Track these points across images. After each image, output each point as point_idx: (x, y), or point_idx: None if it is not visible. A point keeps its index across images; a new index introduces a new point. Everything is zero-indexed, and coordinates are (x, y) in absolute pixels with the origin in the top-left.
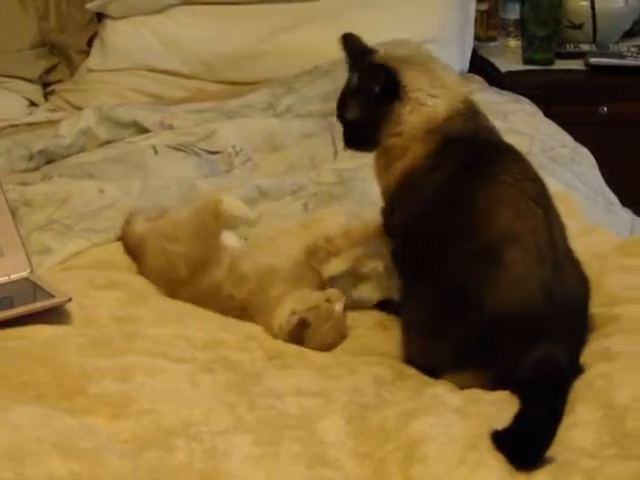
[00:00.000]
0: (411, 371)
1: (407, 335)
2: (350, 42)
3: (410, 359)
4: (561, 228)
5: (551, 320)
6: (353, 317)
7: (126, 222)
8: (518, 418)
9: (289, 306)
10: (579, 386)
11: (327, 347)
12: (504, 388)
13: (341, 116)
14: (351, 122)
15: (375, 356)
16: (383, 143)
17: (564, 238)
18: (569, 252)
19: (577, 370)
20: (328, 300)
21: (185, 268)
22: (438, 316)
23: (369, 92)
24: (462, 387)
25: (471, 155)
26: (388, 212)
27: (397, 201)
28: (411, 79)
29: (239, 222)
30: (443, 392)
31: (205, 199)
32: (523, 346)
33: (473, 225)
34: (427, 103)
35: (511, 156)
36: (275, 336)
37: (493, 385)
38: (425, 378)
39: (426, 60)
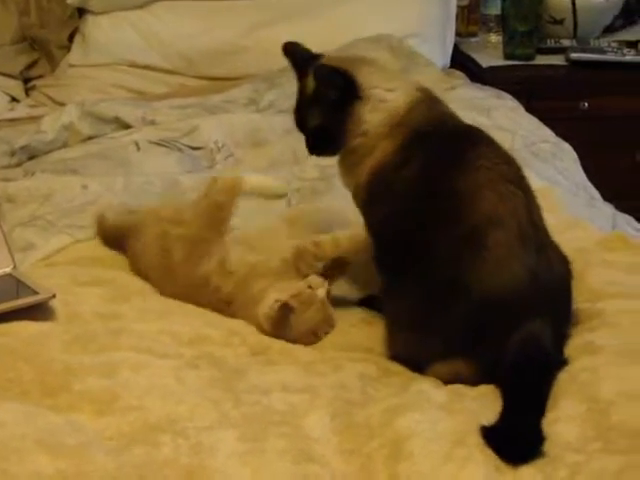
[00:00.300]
0: (396, 367)
1: (392, 331)
2: (293, 51)
3: (395, 355)
4: (538, 208)
5: (536, 300)
6: (337, 314)
7: (100, 216)
8: (505, 412)
9: (273, 296)
10: (563, 380)
11: (313, 333)
12: (494, 374)
13: (301, 125)
14: (313, 130)
15: (360, 352)
16: (348, 145)
17: (542, 218)
18: (547, 232)
19: (562, 351)
20: (310, 287)
21: (182, 250)
22: (424, 308)
23: (327, 97)
24: (451, 378)
25: (442, 143)
26: (364, 212)
27: (371, 200)
28: (366, 77)
29: (269, 195)
30: (428, 388)
31: (220, 180)
32: (510, 328)
33: (455, 212)
34: (386, 98)
35: (484, 141)
36: (261, 328)
37: (483, 372)
38: (410, 374)
39: (373, 57)
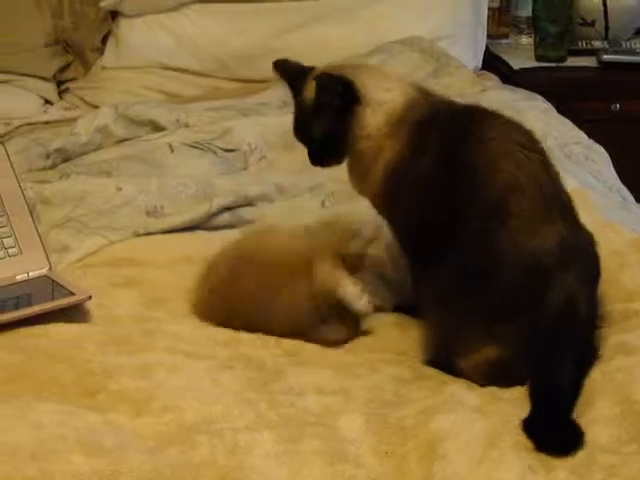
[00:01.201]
0: (430, 371)
1: (430, 324)
2: (284, 67)
3: (431, 357)
4: (557, 173)
5: (568, 262)
6: (371, 317)
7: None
8: (539, 396)
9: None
10: (598, 380)
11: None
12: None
13: (303, 137)
14: (319, 140)
15: (393, 355)
16: (354, 151)
17: (561, 183)
18: (568, 195)
19: (595, 314)
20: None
21: None
22: (460, 290)
23: (330, 105)
24: (488, 368)
25: (448, 127)
26: (388, 213)
27: (391, 199)
28: (364, 82)
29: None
30: (461, 391)
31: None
32: (546, 292)
33: (475, 188)
34: (385, 99)
35: (487, 114)
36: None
37: (520, 353)
38: (443, 377)
39: (363, 61)
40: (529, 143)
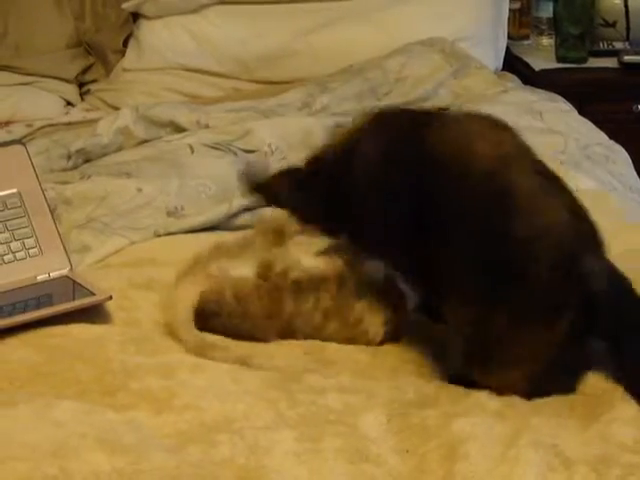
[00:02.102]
0: None
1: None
2: (271, 188)
3: (458, 373)
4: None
5: (584, 235)
6: None
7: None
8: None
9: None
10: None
11: None
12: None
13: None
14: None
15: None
16: None
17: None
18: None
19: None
20: None
21: None
22: (484, 283)
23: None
24: (529, 354)
25: (402, 132)
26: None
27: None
28: None
29: None
30: (483, 397)
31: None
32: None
33: (460, 180)
34: None
35: (436, 113)
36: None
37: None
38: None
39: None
40: (495, 123)
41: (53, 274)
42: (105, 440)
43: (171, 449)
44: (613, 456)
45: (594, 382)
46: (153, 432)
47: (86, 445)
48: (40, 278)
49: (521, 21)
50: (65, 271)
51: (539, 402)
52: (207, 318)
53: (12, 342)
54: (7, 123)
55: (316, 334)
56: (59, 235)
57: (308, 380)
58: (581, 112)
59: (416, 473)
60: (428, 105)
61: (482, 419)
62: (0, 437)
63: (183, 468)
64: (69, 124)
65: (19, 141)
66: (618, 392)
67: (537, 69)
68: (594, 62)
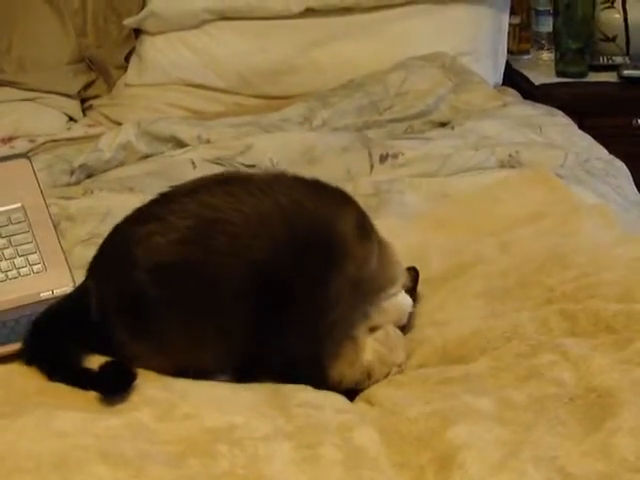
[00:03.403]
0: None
1: None
2: None
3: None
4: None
5: None
6: None
7: None
8: None
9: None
10: (625, 388)
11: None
12: None
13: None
14: None
15: None
16: None
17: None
18: None
19: None
20: None
21: None
22: None
23: None
24: None
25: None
26: None
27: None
28: None
29: None
30: (471, 399)
31: None
32: None
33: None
34: None
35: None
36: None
37: None
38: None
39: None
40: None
41: (57, 292)
42: (107, 453)
43: (171, 461)
44: (617, 475)
45: (596, 382)
46: (154, 437)
47: (88, 458)
48: (43, 295)
49: (521, 36)
50: (68, 288)
51: (535, 404)
52: None
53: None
54: (10, 139)
55: None
56: (63, 251)
57: (303, 396)
58: (581, 126)
59: None
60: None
61: (477, 425)
62: (5, 449)
63: None
64: (71, 139)
65: (24, 155)
66: (622, 394)
67: (537, 83)
68: (594, 77)
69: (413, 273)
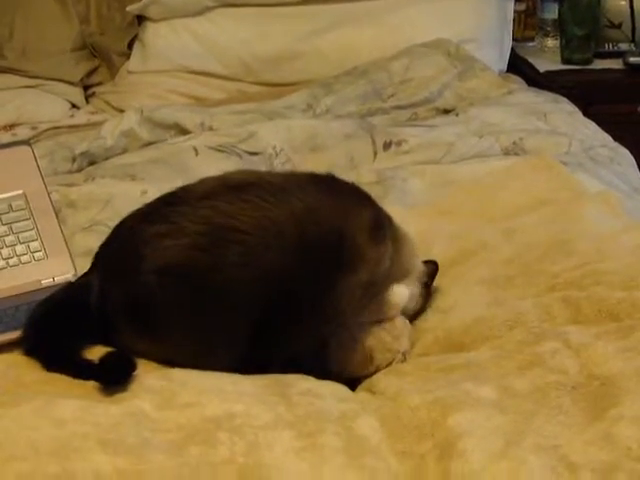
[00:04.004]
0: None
1: None
2: None
3: None
4: None
5: None
6: None
7: None
8: None
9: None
10: (627, 375)
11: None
12: None
13: None
14: None
15: None
16: None
17: None
18: None
19: None
20: None
21: None
22: None
23: None
24: None
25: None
26: None
27: None
28: None
29: None
30: (472, 387)
31: None
32: None
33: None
34: None
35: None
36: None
37: None
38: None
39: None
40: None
41: (58, 279)
42: (107, 441)
43: (172, 449)
44: (621, 464)
45: (599, 370)
46: (154, 425)
47: (88, 446)
48: (45, 283)
49: (526, 23)
50: (70, 276)
51: (536, 392)
52: None
53: (19, 349)
54: (12, 126)
55: None
56: (64, 239)
57: (305, 385)
58: (586, 113)
59: (413, 472)
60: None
61: (478, 413)
62: (3, 437)
63: (183, 470)
64: (74, 127)
65: (26, 142)
66: (625, 382)
67: (542, 70)
68: (599, 63)
69: (432, 266)
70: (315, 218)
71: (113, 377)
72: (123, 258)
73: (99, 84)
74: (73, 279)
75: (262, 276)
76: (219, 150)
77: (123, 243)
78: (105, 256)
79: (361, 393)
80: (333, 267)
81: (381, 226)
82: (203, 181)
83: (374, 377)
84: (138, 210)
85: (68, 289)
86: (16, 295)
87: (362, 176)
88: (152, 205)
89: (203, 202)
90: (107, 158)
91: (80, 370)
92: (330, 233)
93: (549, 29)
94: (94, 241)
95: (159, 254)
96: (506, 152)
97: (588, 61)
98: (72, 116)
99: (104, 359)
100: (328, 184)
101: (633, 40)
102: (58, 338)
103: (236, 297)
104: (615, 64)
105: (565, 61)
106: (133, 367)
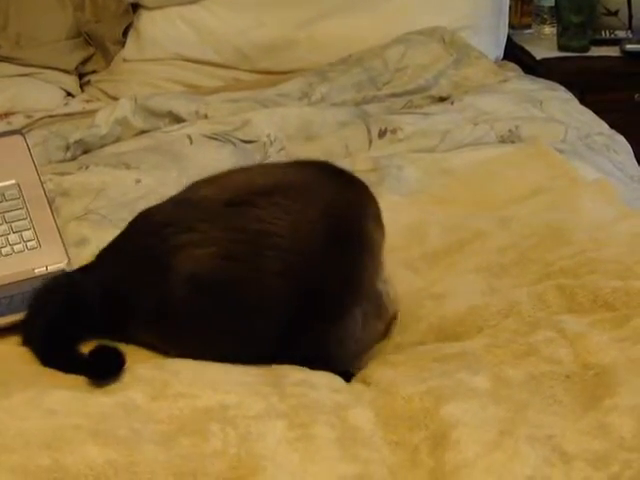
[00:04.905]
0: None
1: None
2: None
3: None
4: None
5: None
6: None
7: None
8: None
9: None
10: (621, 365)
11: None
12: None
13: None
14: None
15: None
16: None
17: None
18: None
19: None
20: None
21: None
22: None
23: None
24: None
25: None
26: None
27: None
28: None
29: None
30: (466, 376)
31: None
32: None
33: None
34: None
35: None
36: None
37: None
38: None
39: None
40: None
41: (51, 268)
42: (98, 432)
43: (164, 440)
44: (613, 453)
45: (594, 360)
46: (146, 416)
47: (79, 437)
48: (38, 271)
49: (523, 10)
50: (63, 264)
51: (530, 383)
52: None
53: (12, 339)
54: (7, 114)
55: None
56: (57, 228)
57: (299, 376)
58: (582, 101)
59: (407, 463)
60: (428, 94)
61: (471, 402)
62: None
63: (174, 461)
64: (69, 115)
65: (18, 131)
66: (619, 372)
67: (539, 58)
68: (596, 51)
69: None
70: (339, 215)
71: (103, 372)
72: (145, 266)
73: (94, 72)
74: (67, 268)
75: (295, 276)
76: (213, 138)
77: (143, 250)
78: (119, 260)
79: (355, 384)
80: (357, 257)
81: (380, 212)
82: (212, 182)
83: (368, 368)
84: (150, 213)
85: (68, 281)
86: (9, 284)
87: (357, 164)
88: (169, 211)
89: (230, 209)
90: (101, 146)
91: (71, 365)
92: (352, 228)
93: (546, 16)
94: (88, 230)
95: (189, 264)
96: (502, 140)
97: (585, 49)
98: (67, 104)
99: (93, 353)
100: (341, 177)
101: (630, 27)
102: (54, 331)
103: (270, 302)
104: (612, 52)
105: (562, 49)
106: (123, 361)
